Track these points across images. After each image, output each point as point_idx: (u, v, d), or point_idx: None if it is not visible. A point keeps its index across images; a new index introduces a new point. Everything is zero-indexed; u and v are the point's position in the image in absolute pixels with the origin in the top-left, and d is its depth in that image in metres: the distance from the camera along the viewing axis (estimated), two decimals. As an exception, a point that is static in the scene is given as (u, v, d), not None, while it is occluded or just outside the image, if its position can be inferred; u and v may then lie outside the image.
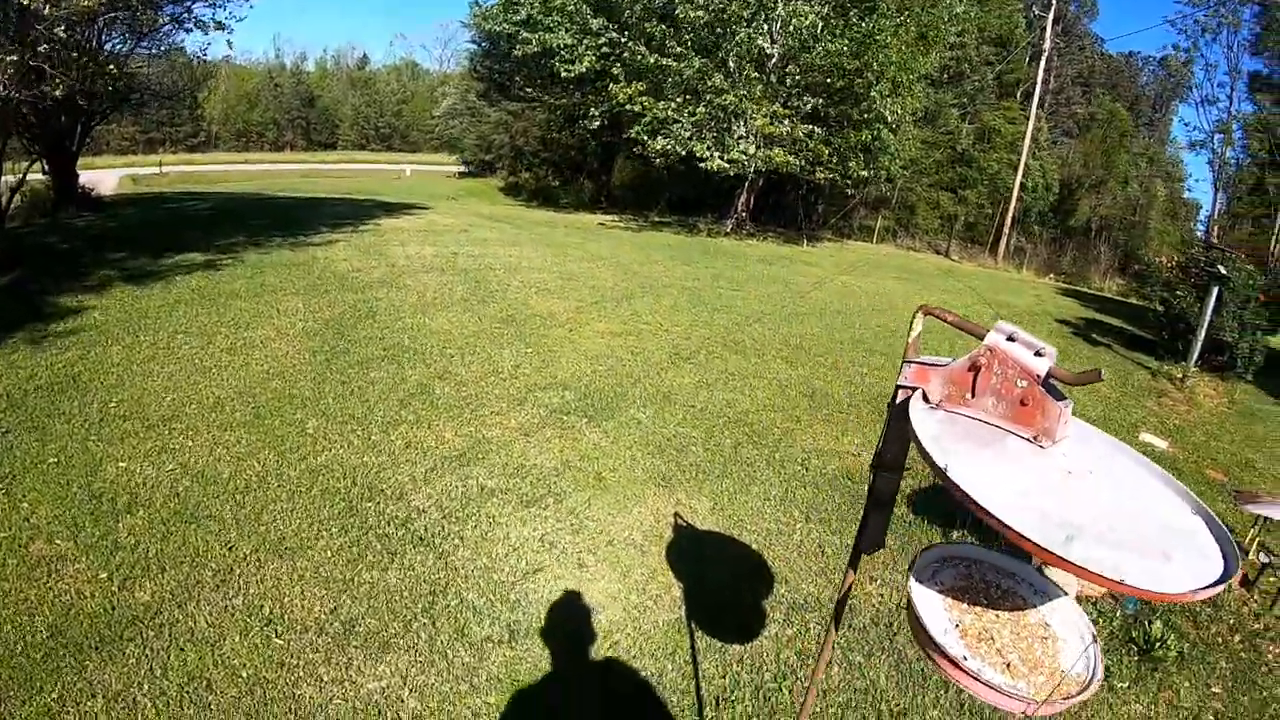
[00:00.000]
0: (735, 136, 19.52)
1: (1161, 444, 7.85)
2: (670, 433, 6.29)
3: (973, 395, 1.64)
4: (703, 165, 19.68)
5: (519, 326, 8.42)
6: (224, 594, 3.95)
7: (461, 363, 7.18)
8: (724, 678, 3.85)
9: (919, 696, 3.83)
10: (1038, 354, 1.55)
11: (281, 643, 3.66)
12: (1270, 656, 4.90)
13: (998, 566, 1.91)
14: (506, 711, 3.45)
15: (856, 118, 20.52)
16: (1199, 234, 34.81)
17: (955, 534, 5.33)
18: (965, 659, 1.61)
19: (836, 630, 2.17)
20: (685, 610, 4.25)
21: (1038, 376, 1.55)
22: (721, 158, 19.42)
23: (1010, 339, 1.58)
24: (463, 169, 49.05)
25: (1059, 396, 1.54)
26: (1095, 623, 1.67)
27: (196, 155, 57.03)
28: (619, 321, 9.17)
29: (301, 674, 3.50)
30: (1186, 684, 4.42)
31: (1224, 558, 1.35)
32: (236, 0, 28.80)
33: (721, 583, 4.58)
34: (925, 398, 1.68)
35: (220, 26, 14.67)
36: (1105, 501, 1.46)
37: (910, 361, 1.70)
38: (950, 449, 1.51)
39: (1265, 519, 5.48)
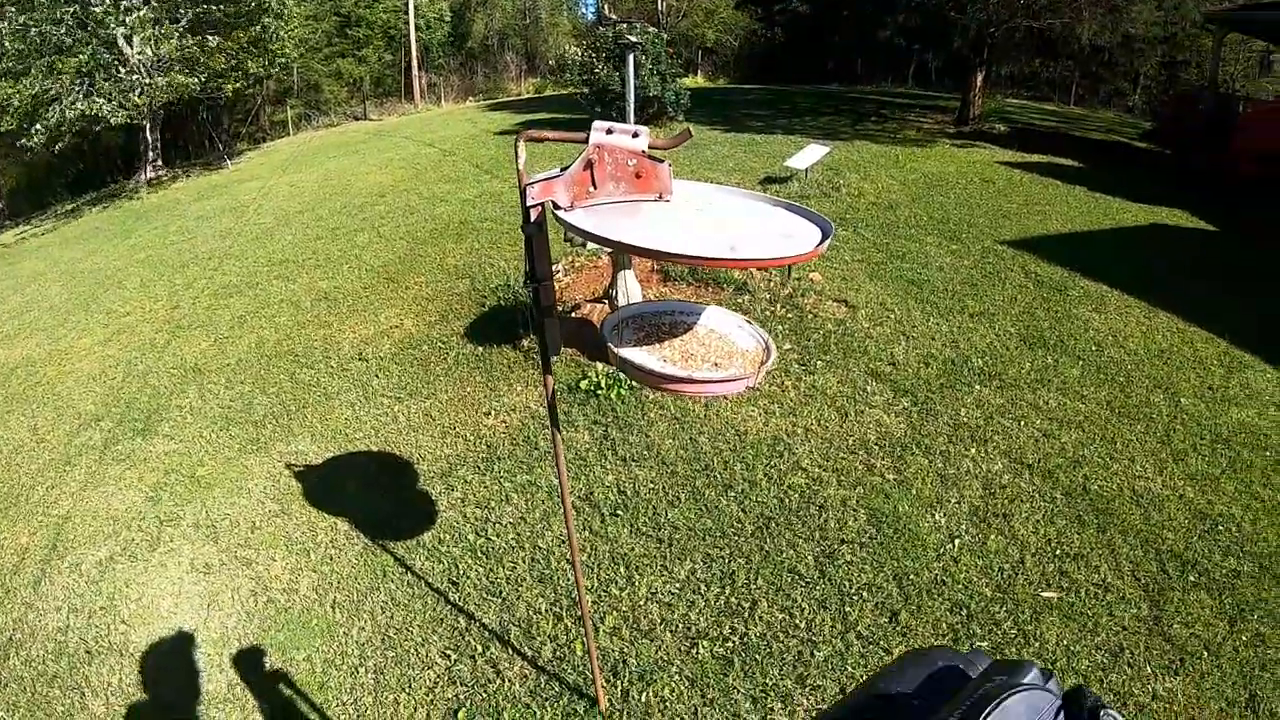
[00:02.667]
0: (124, 76, 16.68)
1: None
2: (226, 399, 5.94)
3: (595, 188, 1.88)
4: (99, 127, 16.78)
5: (5, 390, 7.09)
6: None
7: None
8: (441, 562, 4.04)
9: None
10: (635, 135, 1.86)
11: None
12: (807, 306, 6.33)
13: (654, 311, 2.33)
14: None
15: (240, 12, 18.60)
16: (589, 17, 37.58)
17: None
18: (693, 375, 2.01)
19: (557, 429, 2.43)
20: (366, 537, 4.30)
21: (642, 152, 1.87)
22: (116, 106, 16.57)
23: (609, 132, 1.85)
24: None
25: (659, 161, 1.90)
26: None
27: None
28: (99, 328, 8.06)
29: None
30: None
31: (816, 226, 1.84)
32: None
33: (371, 492, 4.69)
34: (556, 206, 1.85)
35: None
36: (732, 219, 1.88)
37: (531, 183, 1.84)
38: (606, 227, 1.73)
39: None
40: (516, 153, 1.92)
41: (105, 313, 8.52)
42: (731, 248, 1.64)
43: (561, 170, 1.86)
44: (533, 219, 1.92)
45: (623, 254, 5.89)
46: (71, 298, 9.45)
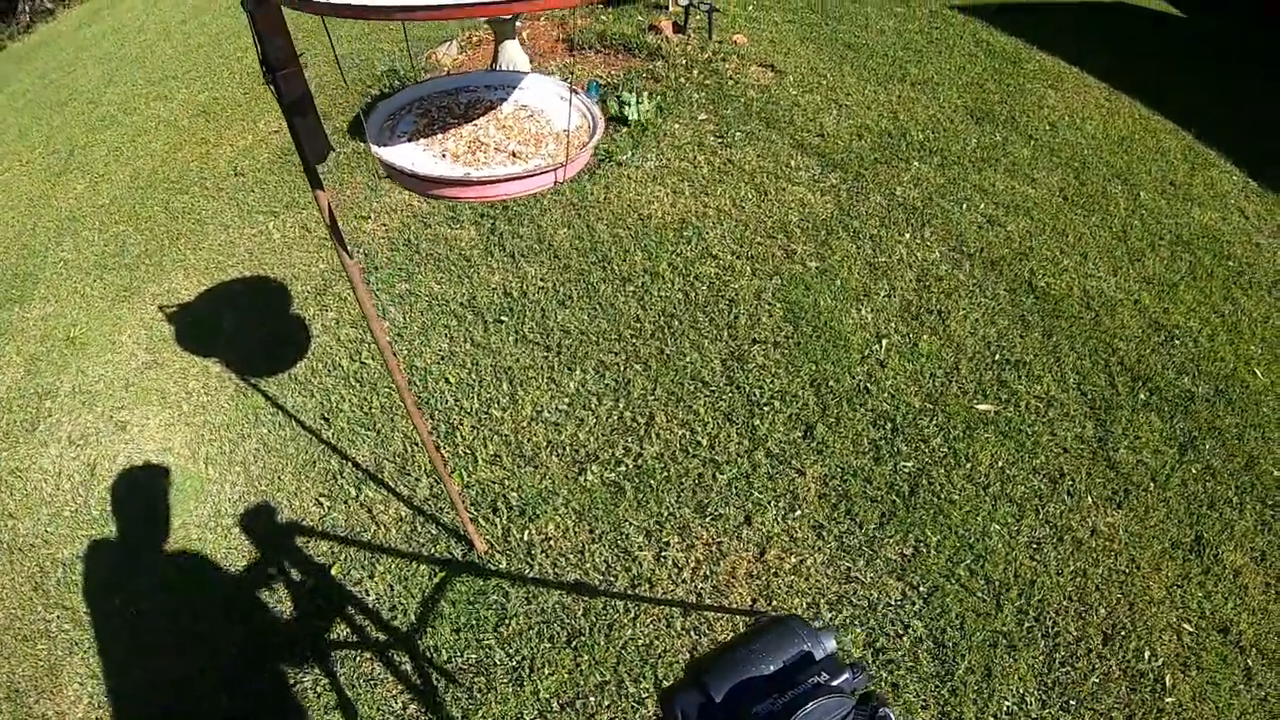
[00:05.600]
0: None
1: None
2: (100, 245, 5.13)
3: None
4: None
5: None
6: None
7: None
8: (314, 396, 3.53)
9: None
10: None
11: None
12: (728, 72, 5.48)
13: (445, 90, 1.72)
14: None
15: None
16: None
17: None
18: (470, 174, 1.43)
19: (347, 253, 1.85)
20: (237, 377, 3.74)
21: None
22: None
23: None
24: None
25: None
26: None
27: None
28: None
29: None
30: (678, 126, 4.73)
31: None
32: None
33: (243, 324, 4.06)
34: None
35: None
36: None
37: None
38: None
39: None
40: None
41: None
42: None
43: None
44: None
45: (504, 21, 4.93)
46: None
